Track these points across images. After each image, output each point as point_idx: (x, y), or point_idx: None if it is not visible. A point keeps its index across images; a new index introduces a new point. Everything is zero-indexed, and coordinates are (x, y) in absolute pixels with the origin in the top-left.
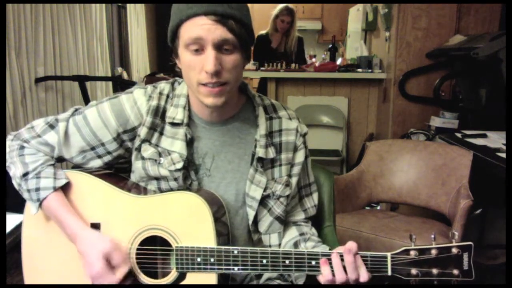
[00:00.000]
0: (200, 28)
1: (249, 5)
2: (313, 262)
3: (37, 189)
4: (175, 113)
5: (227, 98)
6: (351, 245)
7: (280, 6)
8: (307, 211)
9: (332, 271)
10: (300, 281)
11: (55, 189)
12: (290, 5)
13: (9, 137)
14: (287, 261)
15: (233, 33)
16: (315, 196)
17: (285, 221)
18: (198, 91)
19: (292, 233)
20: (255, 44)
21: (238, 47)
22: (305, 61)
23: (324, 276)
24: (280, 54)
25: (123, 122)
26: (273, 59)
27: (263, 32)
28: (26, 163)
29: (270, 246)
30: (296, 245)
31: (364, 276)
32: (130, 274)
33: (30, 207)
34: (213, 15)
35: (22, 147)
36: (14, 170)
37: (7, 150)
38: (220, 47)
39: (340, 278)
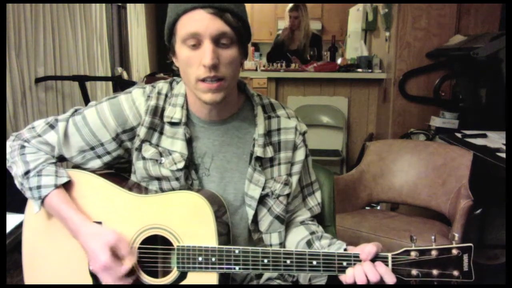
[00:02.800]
0: (197, 22)
1: (249, 5)
2: (314, 262)
3: (39, 187)
4: (173, 112)
5: (225, 94)
6: (370, 250)
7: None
8: (312, 209)
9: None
10: (322, 282)
11: (57, 186)
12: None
13: (10, 138)
14: (288, 261)
15: (230, 26)
16: (318, 194)
17: (290, 221)
18: (196, 87)
19: (302, 232)
20: (273, 46)
21: (235, 41)
22: (317, 59)
23: (346, 277)
24: (291, 52)
25: (122, 122)
26: (286, 58)
27: (280, 33)
28: (27, 161)
29: (271, 245)
30: (309, 243)
31: (389, 280)
32: (134, 268)
33: (32, 205)
34: (210, 8)
35: (23, 147)
36: (16, 169)
37: (9, 150)
38: (217, 41)
39: (360, 281)
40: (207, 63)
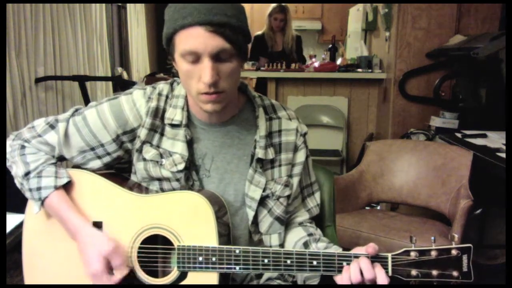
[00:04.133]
0: (196, 40)
1: (249, 5)
2: (315, 262)
3: (39, 188)
4: (174, 114)
5: (225, 104)
6: (375, 246)
7: (273, 4)
8: (311, 210)
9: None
10: (314, 282)
11: (56, 188)
12: (286, 4)
13: (10, 137)
14: (288, 261)
15: (229, 42)
16: (317, 195)
17: (289, 222)
18: (198, 98)
19: (300, 233)
20: (252, 45)
21: (234, 54)
22: (304, 60)
23: (342, 275)
24: (277, 54)
25: (122, 124)
26: (271, 59)
27: (259, 32)
28: (28, 162)
29: (270, 246)
30: (306, 244)
31: (382, 280)
32: (129, 275)
33: (33, 206)
34: (209, 25)
35: (23, 147)
36: (16, 169)
37: (9, 149)
38: (217, 56)
39: (355, 278)
40: (207, 81)
